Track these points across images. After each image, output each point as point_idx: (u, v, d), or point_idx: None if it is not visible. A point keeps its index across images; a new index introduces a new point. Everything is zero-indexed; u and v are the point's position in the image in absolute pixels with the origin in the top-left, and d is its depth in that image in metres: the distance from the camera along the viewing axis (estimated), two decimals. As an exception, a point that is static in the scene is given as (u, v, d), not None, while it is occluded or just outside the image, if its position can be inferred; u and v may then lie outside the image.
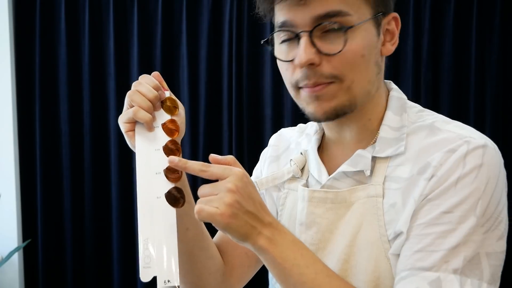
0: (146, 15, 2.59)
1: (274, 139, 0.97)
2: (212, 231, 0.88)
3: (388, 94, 0.80)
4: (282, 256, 0.68)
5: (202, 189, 0.68)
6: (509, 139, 2.45)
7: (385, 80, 0.82)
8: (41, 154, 2.65)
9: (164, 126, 0.76)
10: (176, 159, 0.70)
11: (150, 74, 0.78)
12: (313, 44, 0.70)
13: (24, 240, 2.67)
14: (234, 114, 2.56)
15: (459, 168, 0.67)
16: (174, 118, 0.77)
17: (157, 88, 0.76)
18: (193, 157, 2.59)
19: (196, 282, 0.86)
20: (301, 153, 0.86)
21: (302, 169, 0.85)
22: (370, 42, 0.72)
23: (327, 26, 0.69)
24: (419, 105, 0.81)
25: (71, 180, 2.66)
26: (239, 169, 0.68)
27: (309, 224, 0.79)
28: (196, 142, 2.60)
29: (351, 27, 0.69)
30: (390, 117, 0.77)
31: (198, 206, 0.66)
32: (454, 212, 0.66)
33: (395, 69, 2.50)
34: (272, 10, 0.75)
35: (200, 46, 2.58)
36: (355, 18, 0.70)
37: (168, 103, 0.77)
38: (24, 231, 2.69)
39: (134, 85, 0.75)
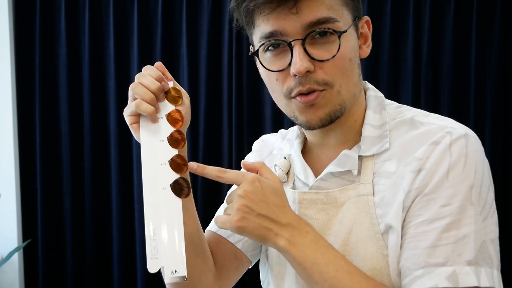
0: (146, 15, 2.59)
1: (257, 145, 0.98)
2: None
3: (366, 94, 0.82)
4: (302, 255, 0.69)
5: (227, 198, 0.73)
6: (509, 139, 2.45)
7: None
8: (41, 154, 2.65)
9: (168, 116, 0.75)
10: (195, 165, 0.73)
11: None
12: (306, 51, 0.70)
13: (24, 240, 2.67)
14: (234, 114, 2.56)
15: (446, 159, 0.69)
16: (178, 108, 0.76)
17: (160, 79, 0.75)
18: (193, 157, 2.59)
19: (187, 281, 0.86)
20: (285, 158, 0.87)
21: (287, 174, 0.86)
22: (354, 45, 0.75)
23: (318, 33, 0.70)
24: (395, 102, 0.83)
25: (71, 180, 2.66)
26: (252, 174, 0.71)
27: None
28: (196, 142, 2.60)
29: (344, 31, 0.71)
30: (371, 116, 0.79)
31: (216, 215, 0.70)
32: (452, 203, 0.67)
33: (395, 69, 2.50)
34: (251, 22, 0.74)
35: (200, 46, 2.58)
36: (342, 24, 0.72)
37: (172, 93, 0.76)
38: (24, 231, 2.68)
39: (137, 77, 0.75)
